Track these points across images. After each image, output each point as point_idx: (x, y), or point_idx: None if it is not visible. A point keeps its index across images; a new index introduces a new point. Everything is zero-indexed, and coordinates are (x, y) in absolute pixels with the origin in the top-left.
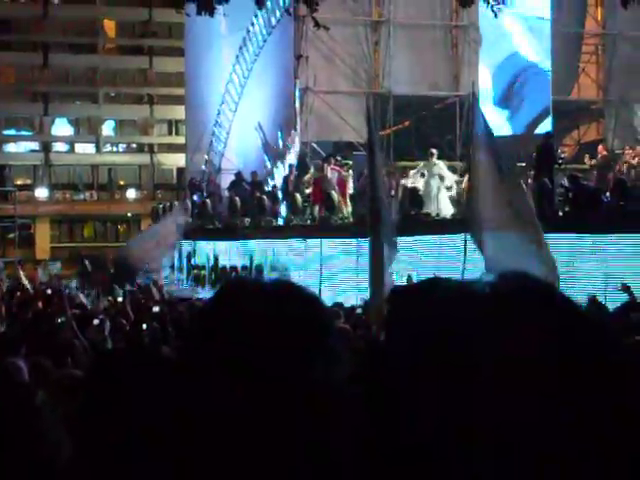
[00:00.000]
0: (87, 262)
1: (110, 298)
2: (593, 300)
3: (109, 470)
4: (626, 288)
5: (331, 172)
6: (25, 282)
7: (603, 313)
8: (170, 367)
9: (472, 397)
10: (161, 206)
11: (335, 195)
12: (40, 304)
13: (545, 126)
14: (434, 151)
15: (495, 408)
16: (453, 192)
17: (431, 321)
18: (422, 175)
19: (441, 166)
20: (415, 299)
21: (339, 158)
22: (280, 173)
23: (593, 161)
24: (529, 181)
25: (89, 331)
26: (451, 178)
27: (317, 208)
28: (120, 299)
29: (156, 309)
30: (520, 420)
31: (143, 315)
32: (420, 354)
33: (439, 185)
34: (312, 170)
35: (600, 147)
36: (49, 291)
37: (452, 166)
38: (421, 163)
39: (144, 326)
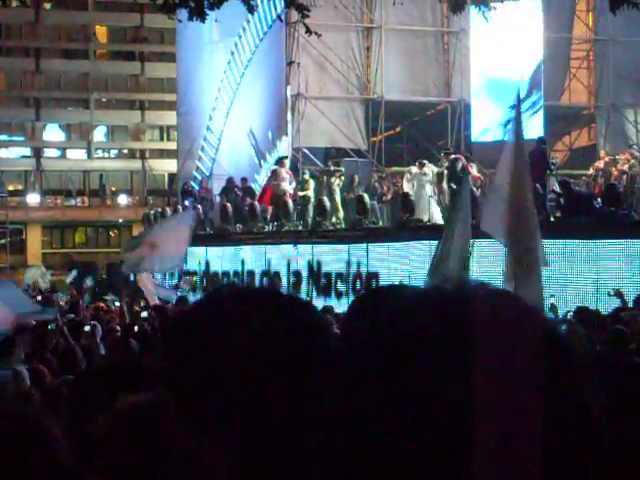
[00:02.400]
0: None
1: (102, 304)
2: (582, 309)
3: None
4: (619, 294)
5: (286, 174)
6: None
7: (594, 319)
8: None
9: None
10: (152, 212)
11: (290, 202)
12: None
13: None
14: (425, 162)
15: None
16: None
17: (384, 322)
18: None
19: (431, 176)
20: (371, 303)
21: (330, 164)
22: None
23: (595, 167)
24: None
25: (81, 337)
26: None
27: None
28: (117, 303)
29: (144, 314)
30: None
31: (134, 321)
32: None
33: (430, 193)
34: (307, 176)
35: (602, 153)
36: (39, 298)
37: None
38: (412, 169)
39: (136, 328)
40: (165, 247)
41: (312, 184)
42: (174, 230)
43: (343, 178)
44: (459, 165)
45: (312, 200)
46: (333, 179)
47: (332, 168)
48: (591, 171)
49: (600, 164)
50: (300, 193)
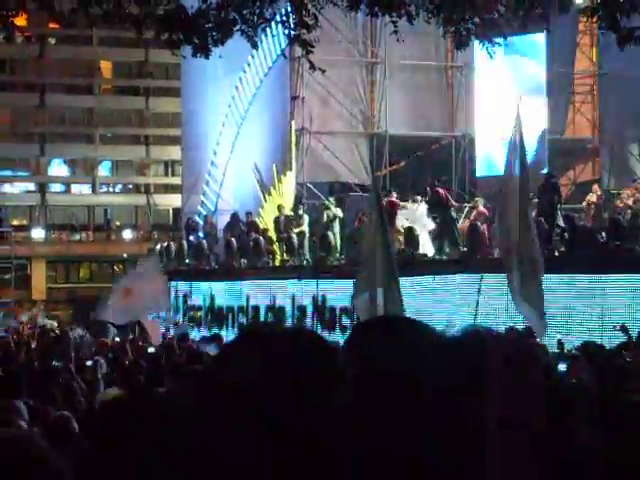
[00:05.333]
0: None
1: (106, 339)
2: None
3: None
4: (624, 329)
5: None
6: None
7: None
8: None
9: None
10: (157, 247)
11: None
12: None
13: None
14: (417, 197)
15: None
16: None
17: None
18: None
19: (423, 212)
20: (372, 337)
21: (331, 199)
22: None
23: (587, 200)
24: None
25: (83, 372)
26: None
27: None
28: (117, 339)
29: (152, 350)
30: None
31: (139, 356)
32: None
33: (420, 227)
34: (301, 212)
35: (595, 186)
36: (58, 331)
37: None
38: (406, 205)
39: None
40: (140, 296)
41: (306, 219)
42: (148, 279)
43: (340, 213)
44: (435, 199)
45: (307, 235)
46: (330, 213)
47: (328, 203)
48: (584, 204)
49: (592, 197)
50: (295, 229)
